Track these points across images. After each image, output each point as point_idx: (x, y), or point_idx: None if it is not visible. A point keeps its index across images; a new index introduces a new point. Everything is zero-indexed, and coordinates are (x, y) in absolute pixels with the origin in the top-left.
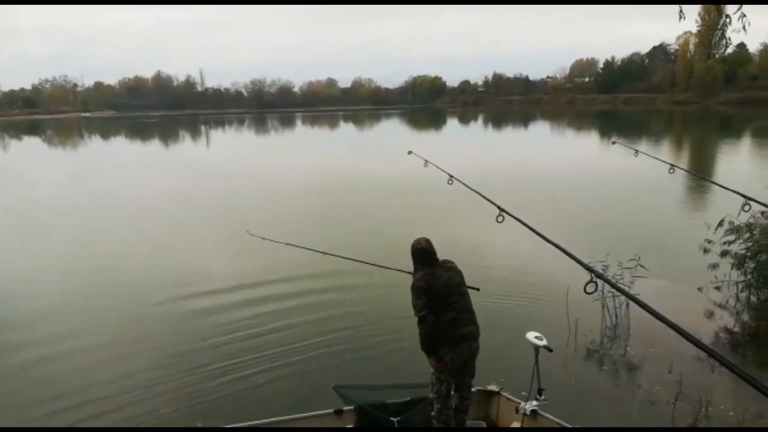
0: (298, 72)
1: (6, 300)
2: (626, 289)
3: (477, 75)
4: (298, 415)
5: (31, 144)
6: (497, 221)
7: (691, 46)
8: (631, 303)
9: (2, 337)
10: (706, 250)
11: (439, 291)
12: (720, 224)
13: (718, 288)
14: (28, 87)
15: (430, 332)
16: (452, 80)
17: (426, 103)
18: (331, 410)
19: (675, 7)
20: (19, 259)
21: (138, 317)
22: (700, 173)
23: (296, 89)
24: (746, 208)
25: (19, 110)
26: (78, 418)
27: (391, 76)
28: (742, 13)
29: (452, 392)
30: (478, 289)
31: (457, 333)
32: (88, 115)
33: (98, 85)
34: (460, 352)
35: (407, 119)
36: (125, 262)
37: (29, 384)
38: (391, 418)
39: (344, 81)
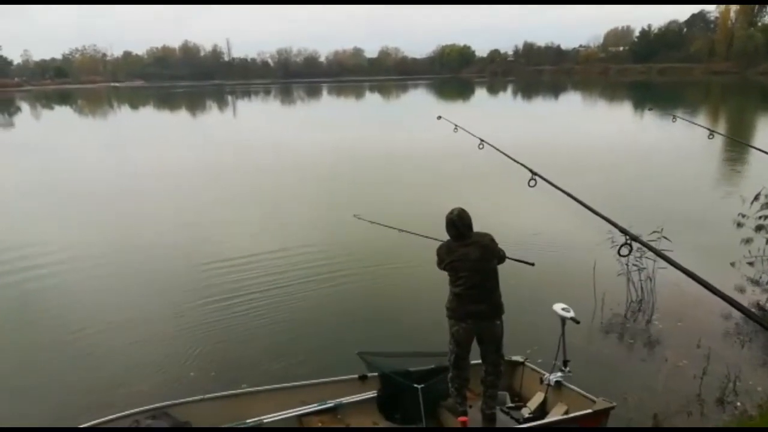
0: (324, 42)
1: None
2: (657, 256)
3: (507, 44)
4: (322, 380)
5: (64, 114)
6: (529, 186)
7: (732, 14)
8: (658, 276)
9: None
10: (740, 224)
11: (449, 265)
12: (756, 198)
13: (751, 263)
14: (58, 57)
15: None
16: (481, 50)
17: (454, 73)
18: (356, 375)
19: None
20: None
21: (166, 284)
22: (740, 139)
23: (322, 59)
24: None
25: (51, 80)
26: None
27: (418, 46)
28: None
29: (470, 363)
30: (532, 264)
31: (462, 309)
32: (117, 84)
33: (127, 55)
34: (465, 327)
35: (434, 90)
36: (156, 237)
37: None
38: (415, 385)
39: (371, 51)
